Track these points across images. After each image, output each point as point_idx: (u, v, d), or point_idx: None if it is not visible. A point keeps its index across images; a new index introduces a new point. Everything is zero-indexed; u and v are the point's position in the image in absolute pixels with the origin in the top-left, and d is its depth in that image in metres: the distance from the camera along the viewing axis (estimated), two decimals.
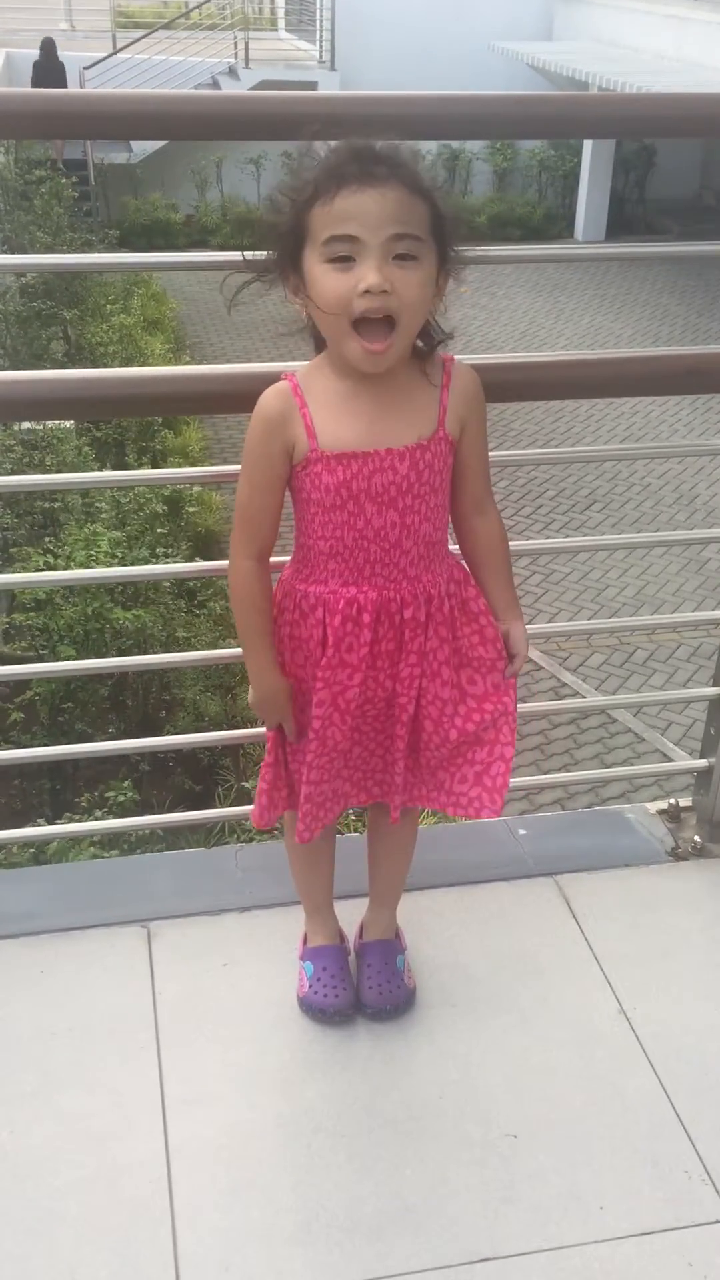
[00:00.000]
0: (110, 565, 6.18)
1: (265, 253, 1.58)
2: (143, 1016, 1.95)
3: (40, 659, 5.87)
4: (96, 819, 5.16)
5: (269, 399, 1.63)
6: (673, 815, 2.46)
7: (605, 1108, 1.83)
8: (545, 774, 6.04)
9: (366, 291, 1.47)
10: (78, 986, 2.01)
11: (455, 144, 17.05)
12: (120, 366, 9.09)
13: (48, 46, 15.84)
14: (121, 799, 5.38)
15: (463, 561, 1.80)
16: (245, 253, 1.62)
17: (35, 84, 15.29)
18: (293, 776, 1.82)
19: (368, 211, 1.46)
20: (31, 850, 4.77)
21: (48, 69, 15.63)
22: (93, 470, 7.47)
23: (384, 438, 1.60)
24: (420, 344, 1.63)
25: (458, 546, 1.81)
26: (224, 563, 1.78)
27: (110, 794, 5.43)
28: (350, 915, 2.05)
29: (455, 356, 1.67)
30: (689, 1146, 1.77)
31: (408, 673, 1.71)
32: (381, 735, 1.79)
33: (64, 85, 15.24)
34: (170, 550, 6.93)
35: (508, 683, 1.80)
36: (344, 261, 1.48)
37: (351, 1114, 1.80)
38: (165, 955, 2.07)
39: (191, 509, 7.90)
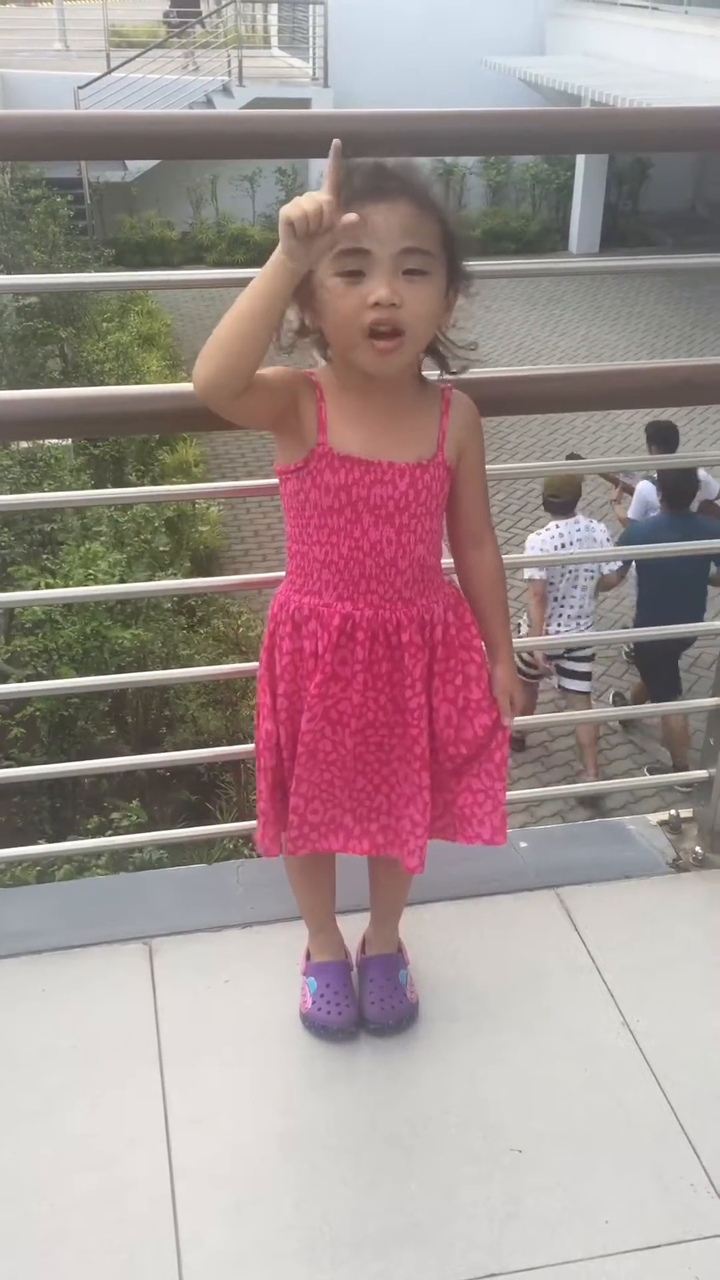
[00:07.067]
0: (109, 583, 6.16)
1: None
2: (145, 1034, 1.95)
3: (40, 678, 5.85)
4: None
5: (297, 372, 1.62)
6: (673, 826, 2.46)
7: (609, 1121, 1.83)
8: (546, 786, 6.03)
9: (376, 304, 1.49)
10: (80, 1005, 2.01)
11: (449, 159, 17.13)
12: (117, 384, 9.11)
13: None
14: (126, 821, 5.32)
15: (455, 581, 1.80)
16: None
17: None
18: (283, 792, 1.80)
19: (379, 225, 1.47)
20: (36, 869, 4.74)
21: None
22: (90, 489, 7.46)
23: (387, 451, 1.61)
24: (431, 361, 1.65)
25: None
26: (224, 579, 1.78)
27: (116, 815, 5.38)
28: (352, 930, 2.04)
29: (453, 387, 1.69)
30: (694, 1159, 1.77)
31: (416, 703, 1.71)
32: (387, 771, 1.77)
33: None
34: (171, 567, 6.92)
35: (495, 706, 1.78)
36: (354, 275, 1.50)
37: (355, 1130, 1.79)
38: (167, 972, 2.07)
39: (203, 528, 7.87)
